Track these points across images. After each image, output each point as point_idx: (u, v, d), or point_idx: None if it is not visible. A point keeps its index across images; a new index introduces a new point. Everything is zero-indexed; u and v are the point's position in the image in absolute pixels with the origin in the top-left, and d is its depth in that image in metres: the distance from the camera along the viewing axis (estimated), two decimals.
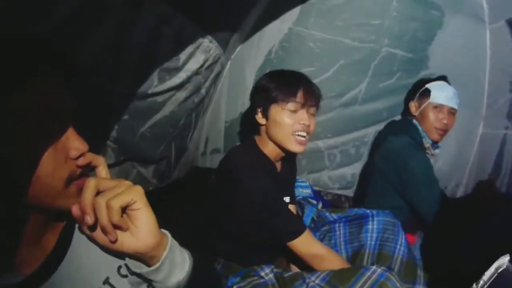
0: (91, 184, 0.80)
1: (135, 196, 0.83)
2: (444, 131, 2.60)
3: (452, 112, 2.60)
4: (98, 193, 0.81)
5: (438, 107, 2.59)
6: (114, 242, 0.83)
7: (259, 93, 1.96)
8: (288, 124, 1.86)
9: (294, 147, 1.89)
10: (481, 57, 2.96)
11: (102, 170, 0.91)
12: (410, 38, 2.81)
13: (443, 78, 2.69)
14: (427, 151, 2.64)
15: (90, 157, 0.88)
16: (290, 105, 1.85)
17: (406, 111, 2.81)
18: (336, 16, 2.69)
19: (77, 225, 0.93)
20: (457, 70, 2.90)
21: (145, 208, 0.85)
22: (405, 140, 2.56)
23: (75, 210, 0.78)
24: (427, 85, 2.65)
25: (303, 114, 1.87)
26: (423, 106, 2.64)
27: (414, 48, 2.86)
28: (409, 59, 2.88)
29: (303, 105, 1.87)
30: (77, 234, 0.93)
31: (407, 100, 2.80)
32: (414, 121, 2.69)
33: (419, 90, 2.69)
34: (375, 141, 2.98)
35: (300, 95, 1.86)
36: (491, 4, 2.71)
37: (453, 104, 2.57)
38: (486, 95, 3.00)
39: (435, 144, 2.67)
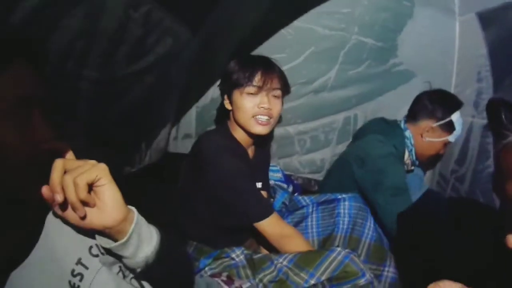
0: (58, 165, 0.84)
1: (100, 173, 0.87)
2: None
3: None
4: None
5: (448, 144, 2.51)
6: (83, 218, 0.88)
7: (223, 79, 2.02)
8: (248, 108, 1.90)
9: (255, 129, 1.93)
10: (449, 48, 3.01)
11: (68, 155, 0.95)
12: (380, 27, 2.84)
13: (460, 104, 2.48)
14: (405, 165, 2.55)
15: (55, 144, 0.93)
16: (248, 89, 1.89)
17: (409, 118, 2.61)
18: None
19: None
20: (425, 60, 2.98)
21: (110, 184, 0.90)
22: (387, 149, 2.39)
23: (45, 191, 0.83)
24: (454, 119, 2.43)
25: (262, 98, 1.90)
26: (440, 139, 2.46)
27: (384, 37, 2.89)
28: (378, 48, 2.90)
29: (261, 88, 1.90)
30: (49, 218, 0.95)
31: (419, 110, 2.54)
32: (408, 133, 2.51)
33: (442, 115, 2.44)
34: (357, 131, 2.93)
35: (257, 78, 1.89)
36: None
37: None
38: (454, 84, 3.05)
39: (416, 163, 2.59)
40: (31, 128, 0.87)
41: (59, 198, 0.82)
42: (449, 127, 2.43)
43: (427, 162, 2.59)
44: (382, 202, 2.24)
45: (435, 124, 2.44)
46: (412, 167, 2.58)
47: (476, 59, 2.82)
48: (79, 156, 0.96)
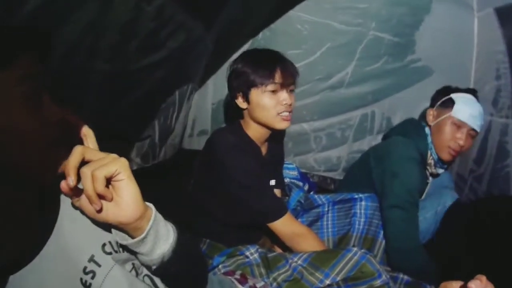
0: (77, 150, 0.84)
1: (120, 167, 0.87)
2: (457, 153, 2.30)
3: (471, 134, 2.30)
4: (84, 162, 0.85)
5: (458, 124, 2.28)
6: (99, 211, 0.87)
7: (236, 78, 1.95)
8: (271, 106, 1.87)
9: (281, 125, 1.91)
10: (468, 44, 2.96)
11: (90, 141, 0.95)
12: (397, 22, 2.80)
13: (472, 91, 2.40)
14: (428, 167, 2.43)
15: (81, 122, 0.94)
16: (270, 87, 1.86)
17: (423, 116, 2.58)
18: None
19: (62, 204, 0.96)
20: (443, 56, 2.94)
21: (129, 179, 0.89)
22: (410, 153, 2.30)
23: (63, 185, 0.82)
24: (453, 95, 2.35)
25: (283, 94, 1.88)
26: (442, 117, 2.34)
27: (401, 33, 2.86)
28: (395, 43, 2.88)
29: (282, 85, 1.87)
30: (61, 214, 0.95)
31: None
32: (427, 129, 2.42)
33: (442, 97, 2.40)
34: (386, 132, 2.82)
35: (278, 75, 1.86)
36: None
37: (475, 125, 2.27)
38: (472, 81, 3.00)
39: (440, 163, 2.40)
40: (44, 110, 0.85)
41: (71, 181, 0.81)
42: (449, 103, 2.34)
43: (447, 155, 2.31)
44: (385, 209, 2.18)
45: (435, 107, 2.41)
46: (435, 169, 2.42)
47: (494, 55, 2.77)
48: None
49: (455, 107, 2.29)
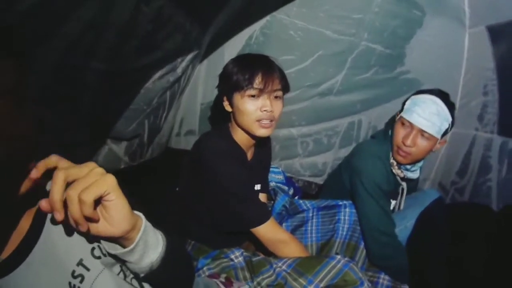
0: (59, 179, 0.77)
1: (108, 188, 0.81)
2: (406, 154, 2.19)
3: (424, 136, 2.14)
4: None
5: (405, 124, 2.19)
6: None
7: (222, 80, 1.94)
8: (251, 111, 1.83)
9: (259, 132, 1.86)
10: (457, 59, 3.00)
11: (62, 163, 0.83)
12: (390, 34, 2.84)
13: (435, 92, 2.22)
14: (392, 168, 2.33)
15: (41, 166, 0.81)
16: (249, 92, 1.81)
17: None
18: (319, 7, 2.72)
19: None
20: (432, 69, 2.99)
21: (119, 199, 0.85)
22: (374, 150, 2.30)
23: (44, 205, 0.77)
24: (412, 96, 2.26)
25: (264, 100, 1.82)
26: (397, 118, 2.27)
27: (392, 45, 2.90)
28: (386, 55, 2.92)
29: (262, 91, 1.81)
30: (50, 216, 0.93)
31: None
32: (390, 131, 2.34)
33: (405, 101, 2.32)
34: None
35: (258, 80, 1.80)
36: (473, 8, 2.75)
37: (424, 125, 2.11)
38: (460, 96, 3.04)
39: (401, 164, 2.30)
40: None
41: (59, 217, 0.77)
42: (403, 105, 2.28)
43: (397, 155, 2.24)
44: (359, 205, 2.19)
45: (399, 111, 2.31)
46: (401, 171, 2.34)
47: (483, 72, 2.81)
48: (83, 148, 0.93)
49: (404, 107, 2.25)
